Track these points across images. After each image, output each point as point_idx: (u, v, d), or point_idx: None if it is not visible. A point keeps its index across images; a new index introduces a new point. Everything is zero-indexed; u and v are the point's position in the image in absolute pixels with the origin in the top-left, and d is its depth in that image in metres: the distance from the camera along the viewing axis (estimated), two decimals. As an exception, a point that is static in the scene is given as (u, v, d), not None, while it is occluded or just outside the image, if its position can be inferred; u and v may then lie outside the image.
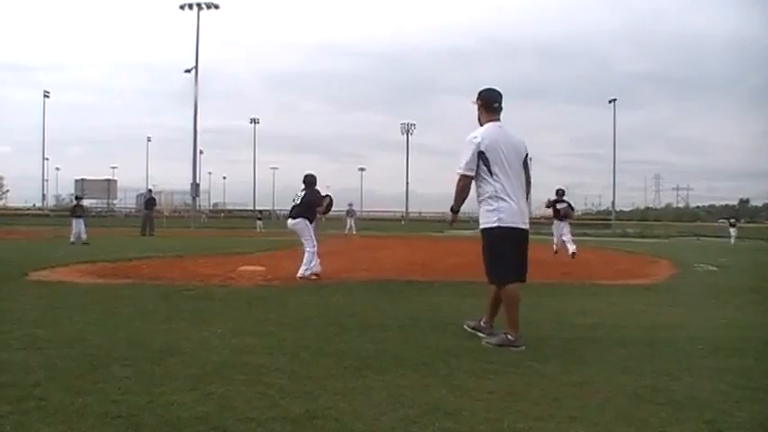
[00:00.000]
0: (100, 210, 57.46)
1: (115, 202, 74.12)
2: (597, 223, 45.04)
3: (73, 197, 25.98)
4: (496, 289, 4.38)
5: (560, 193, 13.16)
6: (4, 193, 72.76)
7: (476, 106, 4.54)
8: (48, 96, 59.36)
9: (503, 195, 4.27)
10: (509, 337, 4.20)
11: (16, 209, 60.20)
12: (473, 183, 4.38)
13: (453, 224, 5.03)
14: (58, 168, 72.32)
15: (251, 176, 75.31)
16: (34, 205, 64.94)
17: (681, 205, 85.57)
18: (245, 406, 2.80)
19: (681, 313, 6.18)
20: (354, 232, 28.71)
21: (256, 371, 3.40)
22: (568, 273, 10.11)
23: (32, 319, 4.94)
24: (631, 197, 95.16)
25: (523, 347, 4.12)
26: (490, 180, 4.30)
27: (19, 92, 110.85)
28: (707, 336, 4.84)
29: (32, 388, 2.97)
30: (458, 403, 2.92)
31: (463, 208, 4.61)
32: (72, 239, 15.93)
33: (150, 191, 31.31)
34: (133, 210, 63.92)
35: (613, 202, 58.71)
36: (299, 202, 8.62)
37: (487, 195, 4.31)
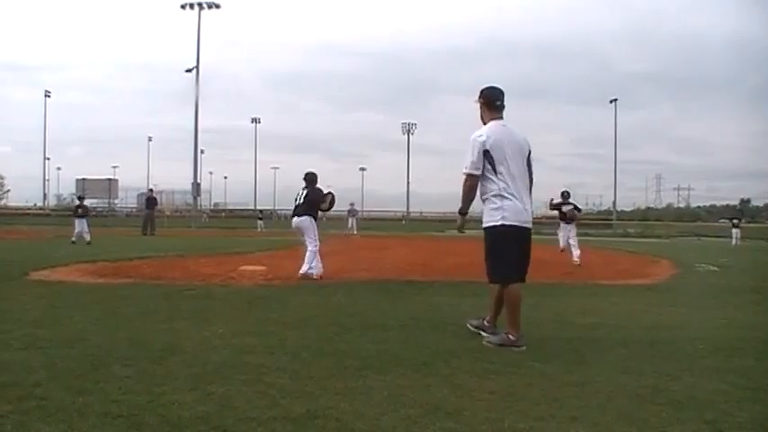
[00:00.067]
0: (101, 209, 57.39)
1: (116, 201, 73.96)
2: (598, 223, 44.99)
3: (73, 197, 26.03)
4: (500, 287, 4.38)
5: (565, 195, 13.04)
6: (4, 192, 72.86)
7: (478, 105, 4.54)
8: (49, 96, 59.30)
9: (507, 194, 4.26)
10: (510, 336, 4.20)
11: (17, 208, 60.20)
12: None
13: (463, 229, 4.68)
14: (58, 168, 72.37)
15: (252, 176, 75.22)
16: (35, 205, 64.92)
17: (682, 205, 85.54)
18: (245, 406, 2.80)
19: (682, 313, 6.18)
20: (355, 232, 28.71)
21: (257, 370, 3.40)
22: (569, 273, 10.11)
23: (33, 318, 4.94)
24: (632, 197, 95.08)
25: (524, 347, 4.12)
26: (495, 178, 4.29)
27: (20, 92, 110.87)
28: (708, 336, 4.84)
29: (33, 387, 2.97)
30: (459, 403, 2.92)
31: (469, 210, 4.56)
32: (73, 238, 16.03)
33: (151, 190, 31.27)
34: (134, 209, 63.83)
35: (614, 202, 58.83)
36: (302, 201, 8.63)
37: (492, 194, 4.31)
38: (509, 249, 4.27)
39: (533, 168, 4.53)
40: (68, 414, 2.63)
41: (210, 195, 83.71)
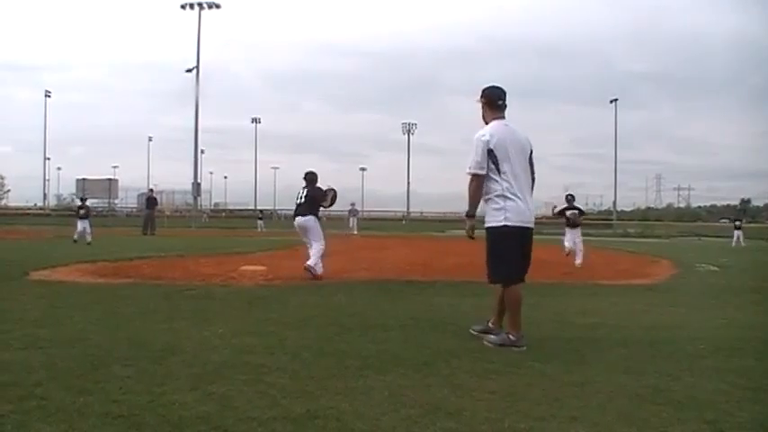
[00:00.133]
0: (101, 209, 57.39)
1: (116, 201, 74.00)
2: (598, 223, 44.91)
3: (73, 197, 26.09)
4: (503, 288, 4.37)
5: (570, 198, 12.94)
6: (5, 192, 72.88)
7: (480, 104, 4.53)
8: (49, 96, 59.37)
9: (510, 194, 4.25)
10: (511, 336, 4.20)
11: (17, 208, 60.22)
12: None
13: (472, 234, 4.54)
14: (59, 168, 72.35)
15: (252, 176, 75.40)
16: (35, 205, 64.91)
17: (682, 205, 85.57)
18: (246, 406, 2.80)
19: (682, 313, 6.17)
20: (355, 232, 28.72)
21: (257, 370, 3.40)
22: (569, 273, 10.11)
23: (33, 318, 4.94)
24: (632, 197, 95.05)
25: (524, 348, 4.12)
26: (498, 178, 4.28)
27: (20, 92, 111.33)
28: (708, 336, 4.84)
29: (34, 387, 2.97)
30: (459, 403, 2.92)
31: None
32: (75, 237, 16.17)
33: (151, 190, 31.29)
34: (134, 209, 63.88)
35: (615, 202, 58.88)
36: (303, 200, 8.62)
37: (495, 194, 4.29)
38: (510, 250, 4.26)
39: (535, 167, 4.53)
40: (69, 414, 2.63)
41: (211, 195, 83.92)
